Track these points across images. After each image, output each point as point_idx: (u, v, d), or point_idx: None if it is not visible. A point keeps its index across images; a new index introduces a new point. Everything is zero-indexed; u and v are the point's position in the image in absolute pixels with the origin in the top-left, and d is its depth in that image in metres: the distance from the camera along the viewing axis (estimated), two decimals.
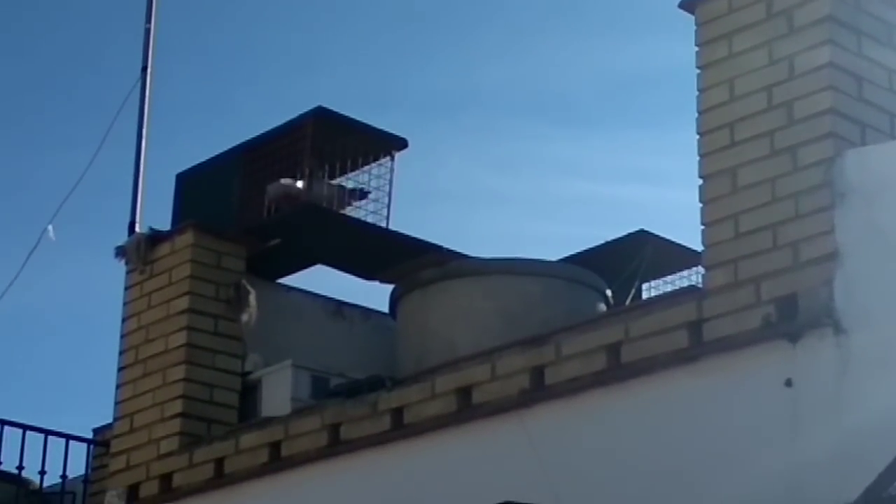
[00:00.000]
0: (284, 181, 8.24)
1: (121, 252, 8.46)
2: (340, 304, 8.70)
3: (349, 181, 8.49)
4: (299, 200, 8.21)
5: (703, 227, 6.14)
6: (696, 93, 6.28)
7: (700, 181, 6.18)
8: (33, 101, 17.79)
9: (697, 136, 6.23)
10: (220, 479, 7.60)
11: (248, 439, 7.53)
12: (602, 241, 9.13)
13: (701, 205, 6.15)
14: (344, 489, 7.08)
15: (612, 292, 8.07)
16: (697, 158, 6.21)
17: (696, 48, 6.33)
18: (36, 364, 18.50)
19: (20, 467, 10.26)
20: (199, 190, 8.76)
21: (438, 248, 8.40)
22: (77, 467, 10.70)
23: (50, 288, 15.41)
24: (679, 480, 5.88)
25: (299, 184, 8.22)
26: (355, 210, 8.49)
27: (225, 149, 8.72)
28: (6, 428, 10.15)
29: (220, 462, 7.63)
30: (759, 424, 5.73)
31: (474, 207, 16.32)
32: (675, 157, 15.05)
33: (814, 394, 5.61)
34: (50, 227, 8.57)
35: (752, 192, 5.97)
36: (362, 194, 8.36)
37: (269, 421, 7.56)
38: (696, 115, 6.26)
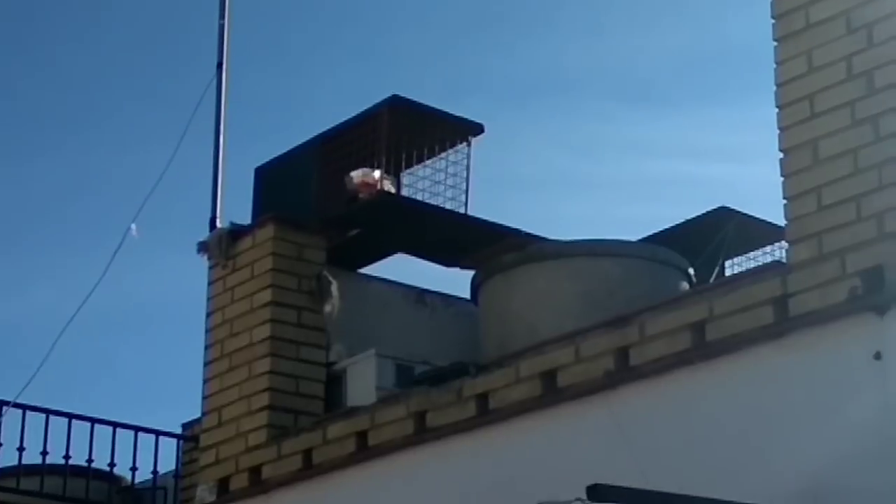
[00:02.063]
0: (362, 171, 8.24)
1: (203, 247, 8.52)
2: (422, 292, 8.70)
3: (426, 168, 8.49)
4: (377, 190, 8.21)
5: (785, 201, 6.06)
6: (774, 66, 6.20)
7: (781, 155, 6.11)
8: (112, 101, 17.96)
9: (777, 110, 6.16)
10: (309, 469, 7.64)
11: (336, 429, 7.55)
12: (683, 220, 9.06)
13: (782, 179, 6.08)
14: (432, 476, 7.09)
15: (695, 271, 8.01)
16: (777, 132, 6.14)
17: (773, 20, 6.25)
18: (123, 362, 18.70)
19: (112, 464, 10.37)
20: (277, 183, 8.80)
21: (518, 233, 8.38)
22: (167, 463, 10.79)
23: (135, 286, 15.55)
24: (769, 458, 5.82)
25: (377, 173, 8.23)
26: (433, 197, 8.49)
27: (302, 141, 8.75)
28: (97, 426, 10.26)
29: (308, 453, 7.66)
30: (849, 399, 5.65)
31: (554, 192, 16.28)
32: (755, 132, 14.90)
33: None
34: (133, 226, 8.62)
35: (834, 163, 5.89)
36: None
37: (356, 410, 7.58)
38: (775, 88, 6.18)
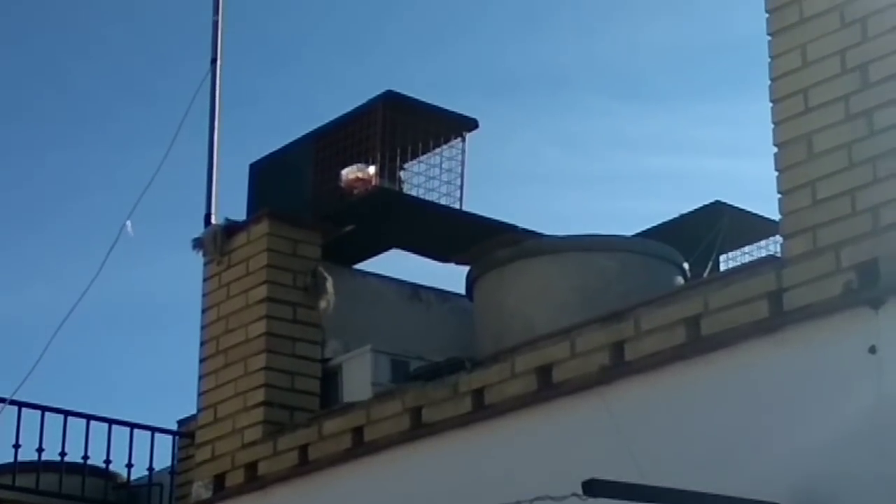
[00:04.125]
0: (357, 166, 8.25)
1: (198, 244, 8.52)
2: (417, 288, 8.71)
3: (420, 164, 8.49)
4: (372, 185, 8.21)
5: (779, 195, 6.07)
6: (768, 60, 6.20)
7: (775, 149, 6.12)
8: (107, 100, 17.96)
9: (771, 104, 6.16)
10: (305, 465, 7.64)
11: (331, 425, 7.55)
12: (678, 215, 9.08)
13: (777, 173, 6.09)
14: (428, 471, 7.09)
15: (690, 265, 8.02)
16: (772, 127, 6.14)
17: (767, 14, 6.25)
18: (119, 359, 18.70)
19: (107, 461, 10.39)
20: (272, 179, 8.80)
21: (513, 228, 8.39)
22: (163, 459, 10.80)
23: (131, 283, 15.55)
24: (764, 452, 5.83)
25: (371, 169, 8.23)
26: (428, 193, 8.49)
27: (297, 137, 8.75)
28: (92, 423, 10.27)
29: (304, 449, 7.66)
30: (844, 393, 5.66)
31: (547, 187, 16.29)
32: (749, 128, 14.91)
33: None
34: (128, 223, 8.62)
35: (829, 157, 5.90)
36: None
37: (351, 406, 7.58)
38: (769, 82, 6.18)
